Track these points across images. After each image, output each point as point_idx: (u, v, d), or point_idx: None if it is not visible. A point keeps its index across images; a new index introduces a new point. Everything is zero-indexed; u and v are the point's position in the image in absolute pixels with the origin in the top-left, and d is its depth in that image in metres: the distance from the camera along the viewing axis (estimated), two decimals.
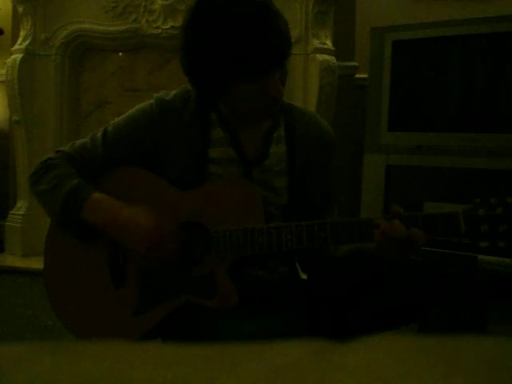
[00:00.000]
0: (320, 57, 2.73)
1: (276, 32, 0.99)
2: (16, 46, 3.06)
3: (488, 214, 0.98)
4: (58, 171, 1.13)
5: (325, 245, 1.04)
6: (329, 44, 2.79)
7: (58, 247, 1.15)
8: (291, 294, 1.16)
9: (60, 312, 1.13)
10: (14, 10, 3.15)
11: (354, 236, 1.02)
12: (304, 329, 1.08)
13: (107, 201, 1.08)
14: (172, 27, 2.87)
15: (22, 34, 3.06)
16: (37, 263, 2.91)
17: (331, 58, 2.75)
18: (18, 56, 3.01)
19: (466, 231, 0.98)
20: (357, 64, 2.99)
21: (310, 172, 1.18)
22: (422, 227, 0.99)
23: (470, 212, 0.99)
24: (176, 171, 1.12)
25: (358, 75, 3.00)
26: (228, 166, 1.13)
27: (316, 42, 2.75)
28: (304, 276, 1.25)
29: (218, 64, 1.01)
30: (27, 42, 3.03)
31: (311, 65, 2.75)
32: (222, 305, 1.03)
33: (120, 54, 3.14)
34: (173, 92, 1.17)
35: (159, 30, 2.90)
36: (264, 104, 1.06)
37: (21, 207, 3.11)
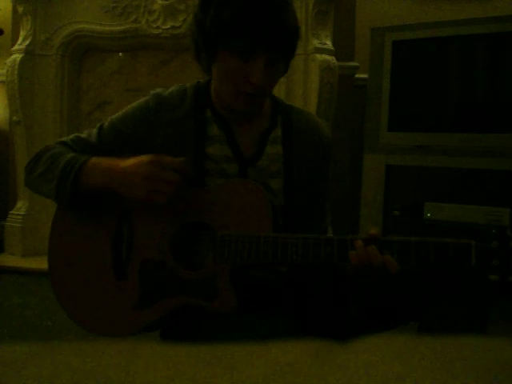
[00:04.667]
0: (320, 57, 2.73)
1: (278, 16, 1.01)
2: (16, 46, 3.06)
3: (501, 246, 0.95)
4: (52, 152, 1.14)
5: (330, 260, 1.01)
6: (329, 44, 2.79)
7: (62, 239, 1.15)
8: (291, 294, 1.16)
9: (64, 303, 1.13)
10: (14, 10, 3.15)
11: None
12: (304, 329, 1.08)
13: (105, 159, 1.08)
14: (172, 27, 2.87)
15: (22, 34, 3.06)
16: (37, 263, 2.91)
17: (331, 58, 2.76)
18: (18, 56, 3.01)
19: (476, 264, 0.95)
20: (357, 64, 2.99)
21: (307, 174, 1.17)
22: (433, 255, 0.96)
23: (483, 245, 0.96)
24: None
25: (357, 75, 3.00)
26: (223, 163, 1.13)
27: (316, 42, 2.75)
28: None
29: (214, 20, 1.02)
30: (27, 42, 3.03)
31: (311, 65, 2.76)
32: (220, 309, 1.02)
33: (120, 54, 3.14)
34: (170, 89, 1.18)
35: (159, 30, 2.90)
36: (243, 88, 1.05)
37: (21, 207, 3.11)
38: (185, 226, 1.08)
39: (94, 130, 1.19)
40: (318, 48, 2.74)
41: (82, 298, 1.12)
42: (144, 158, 1.04)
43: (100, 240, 1.11)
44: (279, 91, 2.74)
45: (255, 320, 0.98)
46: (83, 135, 1.20)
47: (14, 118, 3.08)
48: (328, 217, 1.26)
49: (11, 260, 3.02)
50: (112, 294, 1.09)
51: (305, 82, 2.78)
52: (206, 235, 1.07)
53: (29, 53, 3.03)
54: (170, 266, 1.07)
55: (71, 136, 1.21)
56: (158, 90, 1.17)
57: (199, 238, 1.09)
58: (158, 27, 2.90)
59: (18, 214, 3.10)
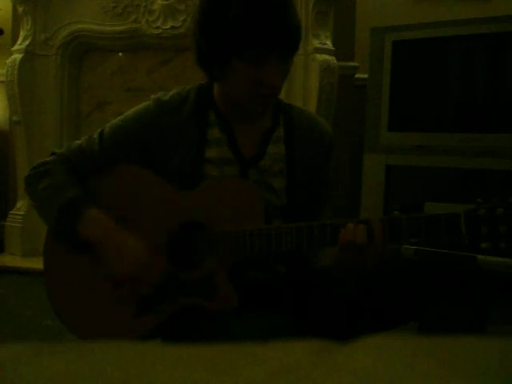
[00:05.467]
0: (320, 57, 2.72)
1: (283, 20, 1.01)
2: (16, 46, 3.06)
3: (488, 214, 0.97)
4: (54, 178, 1.13)
5: (323, 246, 1.03)
6: (329, 44, 2.79)
7: (57, 248, 1.15)
8: (290, 294, 1.16)
9: (61, 313, 1.13)
10: (14, 10, 3.15)
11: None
12: (304, 329, 1.08)
13: (101, 219, 1.08)
14: (172, 27, 2.87)
15: (22, 34, 3.06)
16: (37, 263, 2.91)
17: (331, 58, 2.75)
18: (18, 56, 3.01)
19: (466, 232, 0.97)
20: (357, 64, 2.99)
21: (309, 173, 1.17)
22: (424, 228, 0.98)
23: (470, 213, 0.98)
24: (171, 171, 1.12)
25: (358, 75, 3.00)
26: (224, 165, 1.12)
27: (316, 42, 2.75)
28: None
29: (225, 32, 1.02)
30: (27, 42, 3.03)
31: (311, 65, 2.75)
32: (221, 307, 1.02)
33: (120, 54, 3.14)
34: (171, 92, 1.17)
35: (159, 30, 2.90)
36: (258, 93, 1.06)
37: (21, 207, 3.11)
38: (179, 227, 1.08)
39: (95, 137, 1.17)
40: (317, 48, 2.74)
41: (80, 310, 1.11)
42: (135, 248, 1.06)
43: (94, 251, 1.11)
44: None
45: (255, 320, 0.98)
46: (84, 145, 1.18)
47: (14, 118, 3.08)
48: (328, 215, 1.25)
49: (11, 260, 3.02)
50: (110, 303, 1.09)
51: (305, 82, 2.78)
52: (200, 234, 1.07)
53: (29, 53, 3.03)
54: (168, 269, 1.07)
55: (72, 146, 1.19)
56: (159, 94, 1.17)
57: (194, 237, 1.09)
58: (157, 27, 2.90)
59: (18, 214, 3.10)
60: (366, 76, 2.75)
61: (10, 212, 3.16)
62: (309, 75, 2.77)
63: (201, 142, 1.13)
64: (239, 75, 1.05)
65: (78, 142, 1.20)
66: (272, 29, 1.00)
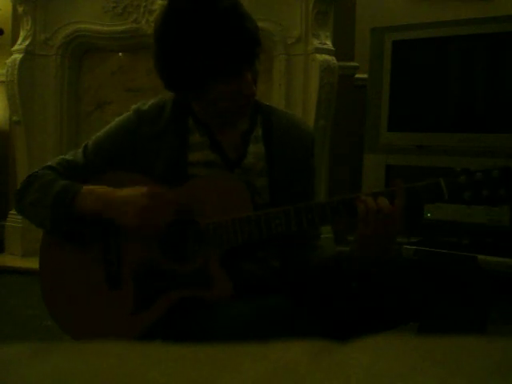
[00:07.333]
0: (320, 57, 2.72)
1: (244, 33, 1.02)
2: (16, 46, 3.06)
3: (469, 180, 1.00)
4: (43, 180, 1.15)
5: (312, 226, 1.07)
6: (329, 44, 2.79)
7: (53, 250, 1.16)
8: (286, 290, 1.16)
9: (56, 315, 1.14)
10: (14, 10, 3.15)
11: (341, 214, 1.04)
12: (301, 312, 1.09)
13: (99, 187, 1.10)
14: None
15: (22, 34, 3.06)
16: (37, 263, 2.90)
17: (331, 58, 2.75)
18: (18, 56, 3.01)
19: (449, 198, 1.01)
20: (357, 64, 2.99)
21: (290, 172, 1.19)
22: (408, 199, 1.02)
23: (451, 179, 1.01)
24: (156, 178, 1.13)
25: (358, 75, 3.00)
26: (209, 168, 1.14)
27: (316, 42, 2.75)
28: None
29: (190, 63, 1.03)
30: (27, 42, 3.03)
31: (311, 65, 2.75)
32: (218, 296, 1.04)
33: (120, 54, 3.14)
34: (150, 101, 1.20)
35: None
36: (237, 103, 1.08)
37: None
38: (169, 223, 1.10)
39: (80, 151, 1.20)
40: (318, 48, 2.74)
41: (76, 311, 1.12)
42: (139, 189, 1.07)
43: (89, 253, 1.12)
44: (279, 92, 2.74)
45: (254, 300, 0.99)
46: (69, 157, 1.21)
47: (14, 118, 3.07)
48: None
49: (11, 260, 3.02)
50: (107, 305, 1.10)
51: (305, 82, 2.78)
52: (191, 228, 1.10)
53: (29, 53, 3.03)
54: (162, 264, 1.09)
55: (57, 159, 1.21)
56: (138, 104, 1.20)
57: (185, 231, 1.11)
58: None
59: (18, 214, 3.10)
60: (366, 76, 2.75)
61: (10, 212, 3.15)
62: (309, 75, 2.77)
63: (182, 147, 1.15)
64: (215, 95, 1.06)
65: (65, 156, 1.23)
66: (244, 45, 1.02)
